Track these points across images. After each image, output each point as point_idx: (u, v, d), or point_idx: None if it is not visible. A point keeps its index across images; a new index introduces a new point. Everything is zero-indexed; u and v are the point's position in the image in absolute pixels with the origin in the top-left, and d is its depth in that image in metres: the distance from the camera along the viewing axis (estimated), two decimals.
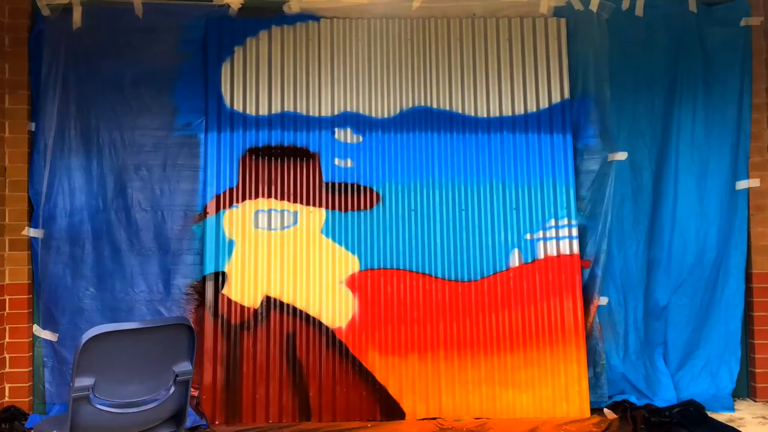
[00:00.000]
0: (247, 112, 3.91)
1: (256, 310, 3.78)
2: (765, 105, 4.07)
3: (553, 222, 3.88)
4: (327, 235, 3.84)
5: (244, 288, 3.79)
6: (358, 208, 3.88)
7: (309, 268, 3.82)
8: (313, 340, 3.77)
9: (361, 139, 3.93)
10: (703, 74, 4.06)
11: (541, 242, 3.87)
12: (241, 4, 3.92)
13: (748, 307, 4.02)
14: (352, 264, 3.83)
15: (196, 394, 3.77)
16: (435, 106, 3.97)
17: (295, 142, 3.91)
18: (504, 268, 3.86)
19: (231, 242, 3.82)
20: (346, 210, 3.87)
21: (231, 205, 3.84)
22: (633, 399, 3.82)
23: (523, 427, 3.54)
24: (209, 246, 3.80)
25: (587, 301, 3.90)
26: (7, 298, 3.78)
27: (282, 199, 3.86)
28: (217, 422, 3.67)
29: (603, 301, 3.94)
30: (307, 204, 3.86)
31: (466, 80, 3.98)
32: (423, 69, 3.99)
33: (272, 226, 3.84)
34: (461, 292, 3.83)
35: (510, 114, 3.96)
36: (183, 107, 3.93)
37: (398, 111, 3.96)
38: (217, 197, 3.84)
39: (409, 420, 3.72)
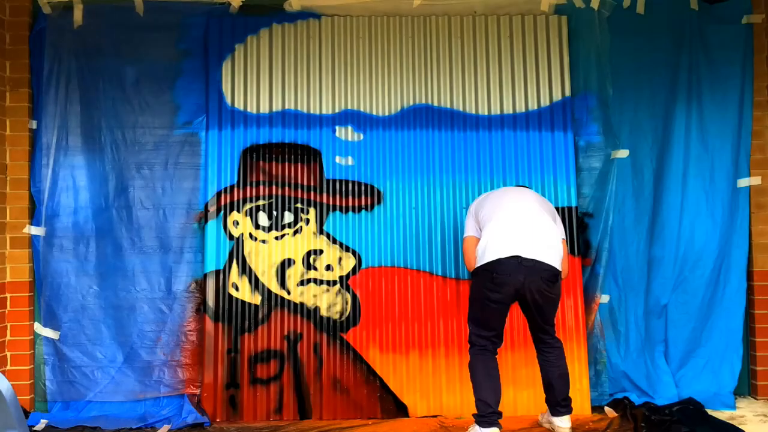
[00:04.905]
0: (248, 110, 3.91)
1: (257, 308, 3.78)
2: (766, 103, 4.06)
3: None
4: (328, 233, 3.84)
5: (245, 286, 3.79)
6: (359, 206, 3.88)
7: (310, 265, 3.83)
8: (314, 338, 3.77)
9: (362, 136, 3.93)
10: (704, 72, 4.04)
11: None
12: (242, 1, 3.92)
13: (749, 305, 4.01)
14: (353, 261, 3.84)
15: (197, 392, 3.78)
16: (436, 103, 3.96)
17: (296, 139, 3.91)
18: None
19: (232, 240, 3.82)
20: (346, 208, 3.87)
21: (232, 202, 3.84)
22: (634, 397, 3.82)
23: (524, 425, 3.54)
24: (210, 244, 3.80)
25: (588, 299, 3.90)
26: (8, 295, 3.79)
27: (283, 196, 3.87)
28: (218, 420, 3.68)
29: (604, 299, 3.93)
30: (308, 202, 3.86)
31: (467, 78, 3.98)
32: (424, 67, 3.98)
33: (273, 224, 3.84)
34: (462, 290, 3.82)
35: (511, 112, 3.96)
36: (184, 105, 3.93)
37: (399, 109, 3.96)
38: (219, 195, 3.84)
39: (410, 418, 3.72)
